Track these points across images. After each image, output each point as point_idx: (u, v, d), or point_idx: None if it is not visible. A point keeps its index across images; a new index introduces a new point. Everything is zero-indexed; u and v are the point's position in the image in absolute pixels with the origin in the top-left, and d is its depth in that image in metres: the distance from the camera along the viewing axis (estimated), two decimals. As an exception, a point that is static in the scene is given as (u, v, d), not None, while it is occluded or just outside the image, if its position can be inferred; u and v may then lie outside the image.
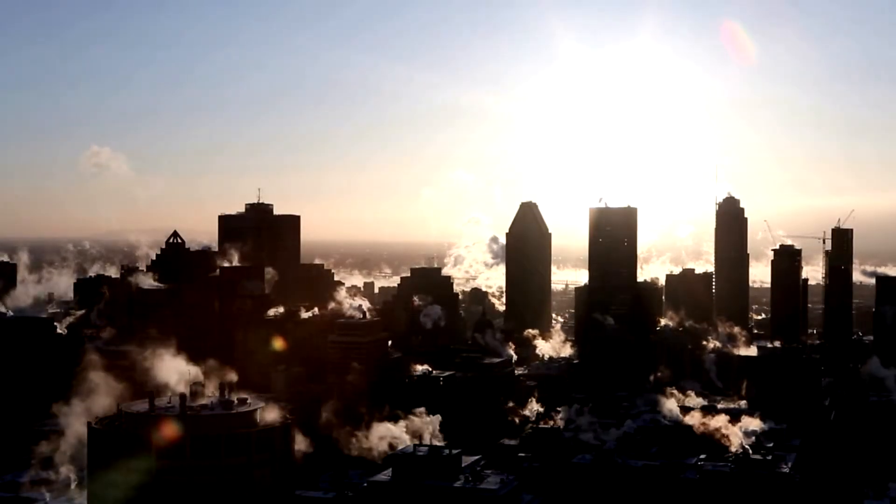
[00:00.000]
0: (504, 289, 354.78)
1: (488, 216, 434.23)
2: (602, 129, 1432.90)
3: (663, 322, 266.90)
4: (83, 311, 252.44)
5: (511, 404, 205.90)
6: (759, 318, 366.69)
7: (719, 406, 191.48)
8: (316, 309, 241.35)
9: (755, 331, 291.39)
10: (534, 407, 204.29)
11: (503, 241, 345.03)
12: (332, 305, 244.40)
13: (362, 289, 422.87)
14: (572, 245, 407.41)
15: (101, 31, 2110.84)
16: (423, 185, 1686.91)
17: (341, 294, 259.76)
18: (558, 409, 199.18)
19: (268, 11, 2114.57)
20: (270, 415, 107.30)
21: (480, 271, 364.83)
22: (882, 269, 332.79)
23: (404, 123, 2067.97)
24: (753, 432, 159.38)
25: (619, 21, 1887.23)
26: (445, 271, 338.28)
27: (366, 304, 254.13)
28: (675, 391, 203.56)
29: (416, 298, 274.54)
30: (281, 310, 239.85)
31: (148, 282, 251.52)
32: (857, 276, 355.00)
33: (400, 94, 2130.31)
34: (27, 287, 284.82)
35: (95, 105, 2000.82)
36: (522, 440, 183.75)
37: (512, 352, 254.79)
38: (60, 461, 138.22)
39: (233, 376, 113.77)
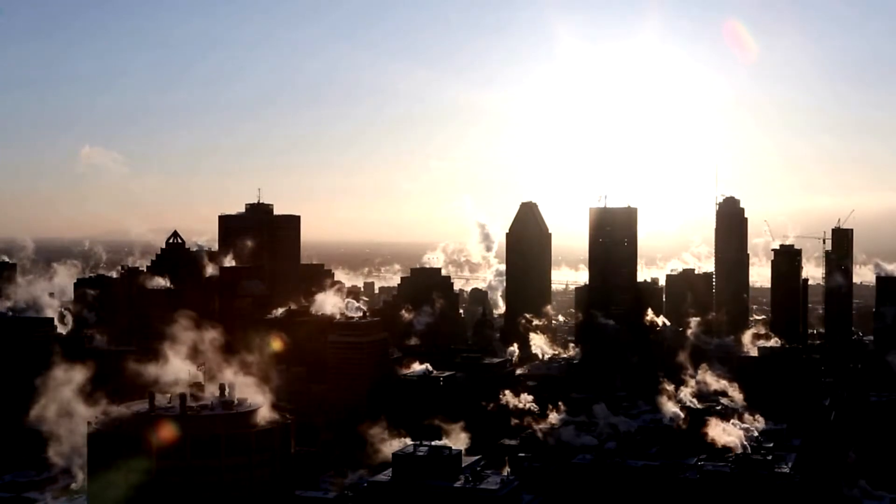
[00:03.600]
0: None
1: (488, 216, 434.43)
2: (602, 128, 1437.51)
3: (658, 321, 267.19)
4: (83, 311, 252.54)
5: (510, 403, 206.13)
6: (759, 318, 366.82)
7: (719, 406, 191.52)
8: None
9: (755, 331, 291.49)
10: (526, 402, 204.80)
11: (491, 230, 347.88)
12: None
13: (363, 289, 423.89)
14: (572, 245, 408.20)
15: (98, 30, 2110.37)
16: (422, 184, 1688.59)
17: (321, 295, 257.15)
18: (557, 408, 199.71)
19: (265, 10, 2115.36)
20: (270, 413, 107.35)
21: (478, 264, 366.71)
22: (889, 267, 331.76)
23: (404, 122, 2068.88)
24: (751, 432, 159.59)
25: (620, 19, 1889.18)
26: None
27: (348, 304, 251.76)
28: (675, 391, 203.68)
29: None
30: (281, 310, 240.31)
31: (148, 281, 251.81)
32: (858, 276, 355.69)
33: (399, 93, 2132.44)
34: (27, 287, 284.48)
35: (91, 105, 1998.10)
36: (522, 440, 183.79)
37: (512, 351, 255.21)
38: (60, 462, 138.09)
39: (233, 376, 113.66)
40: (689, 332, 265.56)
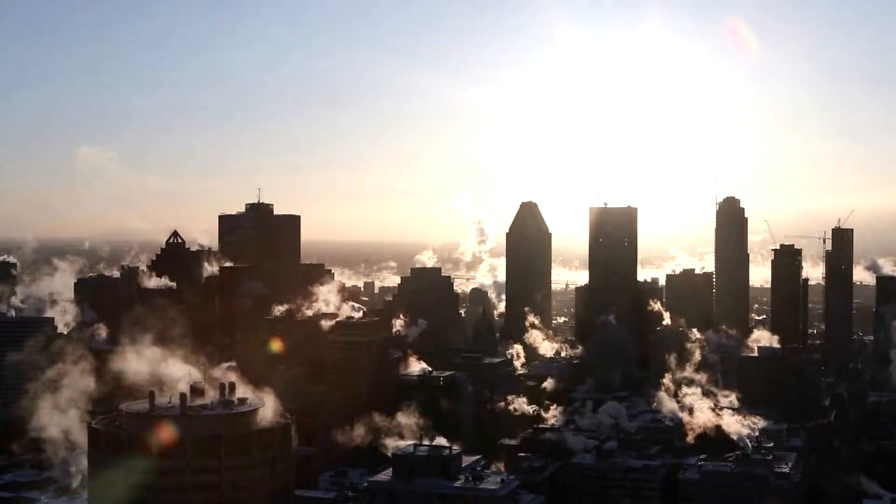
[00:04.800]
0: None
1: (487, 216, 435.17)
2: (603, 128, 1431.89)
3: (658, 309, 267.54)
4: (83, 311, 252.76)
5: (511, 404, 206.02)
6: (759, 318, 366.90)
7: (719, 406, 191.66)
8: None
9: (755, 331, 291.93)
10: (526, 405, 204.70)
11: (486, 226, 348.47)
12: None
13: (362, 289, 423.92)
14: (572, 245, 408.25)
15: (98, 30, 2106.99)
16: (422, 184, 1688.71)
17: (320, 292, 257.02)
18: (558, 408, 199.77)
19: (264, 9, 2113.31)
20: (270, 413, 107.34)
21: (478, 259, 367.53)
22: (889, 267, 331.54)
23: (404, 122, 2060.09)
24: (752, 431, 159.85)
25: (620, 18, 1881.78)
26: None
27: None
28: (675, 391, 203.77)
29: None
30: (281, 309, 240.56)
31: (147, 281, 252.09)
32: (858, 276, 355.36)
33: (399, 93, 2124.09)
34: (27, 287, 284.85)
35: (90, 105, 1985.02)
36: (522, 440, 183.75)
37: (512, 351, 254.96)
38: (60, 462, 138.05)
39: (233, 376, 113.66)
40: (688, 331, 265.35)
